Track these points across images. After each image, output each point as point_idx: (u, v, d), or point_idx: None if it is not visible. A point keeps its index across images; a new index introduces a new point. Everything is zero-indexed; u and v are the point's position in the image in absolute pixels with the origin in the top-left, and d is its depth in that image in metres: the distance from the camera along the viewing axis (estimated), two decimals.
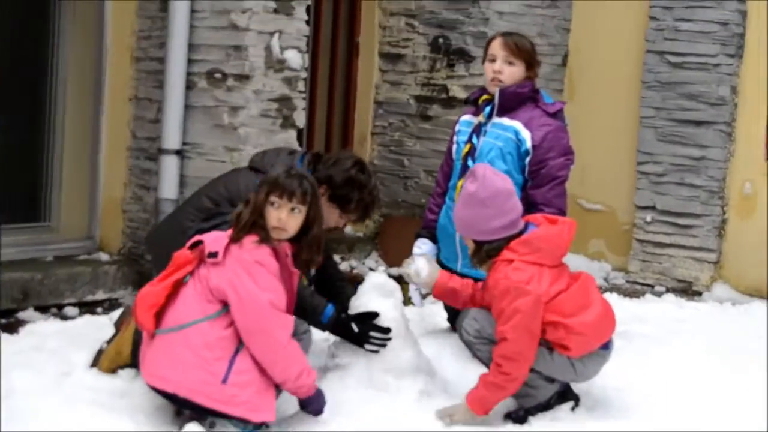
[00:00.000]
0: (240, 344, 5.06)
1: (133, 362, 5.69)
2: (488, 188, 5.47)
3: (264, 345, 5.03)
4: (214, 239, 5.15)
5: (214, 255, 5.08)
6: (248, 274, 5.02)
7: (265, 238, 5.09)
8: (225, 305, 5.05)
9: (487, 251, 5.48)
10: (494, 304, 5.40)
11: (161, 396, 5.15)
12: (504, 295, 5.35)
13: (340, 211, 5.94)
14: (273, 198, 5.13)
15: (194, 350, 5.02)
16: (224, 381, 5.00)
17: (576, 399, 5.70)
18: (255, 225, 5.10)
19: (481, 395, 5.37)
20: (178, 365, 5.01)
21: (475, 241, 5.52)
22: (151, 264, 6.27)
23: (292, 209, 5.14)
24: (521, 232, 5.49)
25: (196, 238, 5.20)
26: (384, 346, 5.59)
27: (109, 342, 5.78)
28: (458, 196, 5.62)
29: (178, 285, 5.15)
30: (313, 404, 5.19)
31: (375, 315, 5.63)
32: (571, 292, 5.51)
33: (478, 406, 5.37)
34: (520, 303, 5.32)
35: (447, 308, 6.83)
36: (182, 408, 5.16)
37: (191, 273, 5.16)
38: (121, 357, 5.71)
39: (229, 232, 5.14)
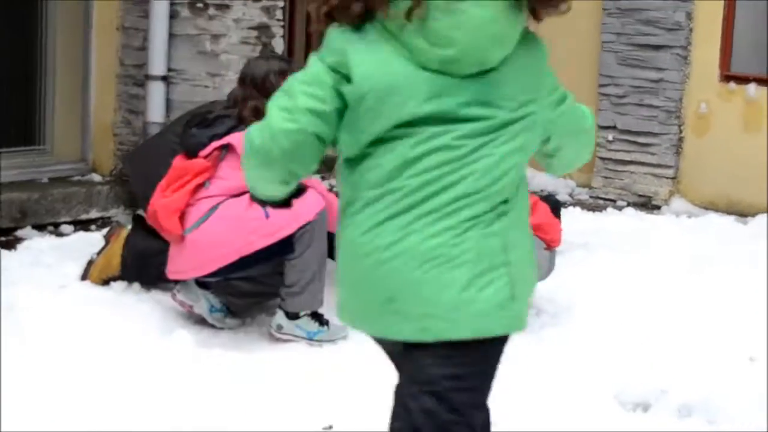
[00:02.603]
0: None
1: (122, 275, 5.76)
2: None
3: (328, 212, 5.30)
4: (242, 139, 5.23)
5: None
6: None
7: None
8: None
9: None
10: None
11: (204, 281, 5.34)
12: None
13: None
14: None
15: (228, 218, 5.20)
16: (267, 217, 5.18)
17: None
18: None
19: None
20: (226, 237, 5.17)
21: None
22: (136, 181, 6.33)
23: None
24: None
25: (219, 142, 5.29)
26: None
27: (99, 253, 5.85)
28: None
29: (198, 190, 5.28)
30: None
31: None
32: None
33: None
34: None
35: None
36: (234, 275, 5.30)
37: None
38: (110, 267, 5.78)
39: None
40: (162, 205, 5.24)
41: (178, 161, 5.37)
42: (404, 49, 2.83)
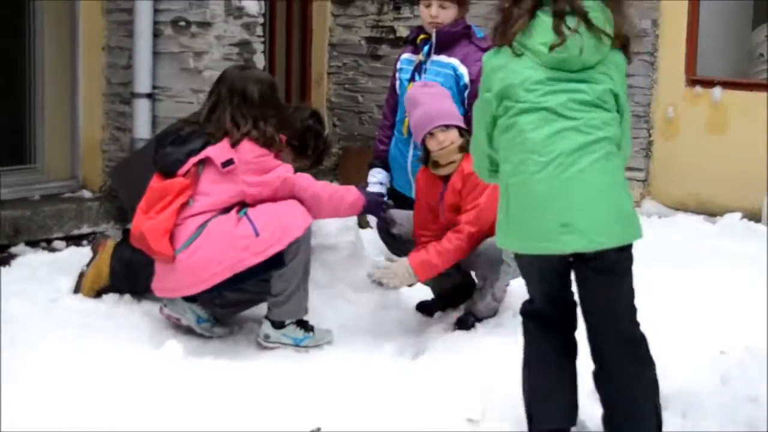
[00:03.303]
0: (244, 207, 5.23)
1: (112, 284, 5.75)
2: (445, 90, 5.80)
3: (315, 203, 5.31)
4: (219, 151, 5.24)
5: (230, 162, 5.19)
6: (260, 169, 5.24)
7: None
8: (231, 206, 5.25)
9: (468, 137, 5.46)
10: (474, 184, 5.46)
11: (197, 296, 5.32)
12: None
13: (294, 155, 5.83)
14: None
15: (218, 236, 5.15)
16: (257, 234, 5.15)
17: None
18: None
19: (433, 262, 5.45)
20: (218, 256, 5.14)
21: (459, 132, 5.56)
22: (124, 194, 6.35)
23: None
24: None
25: (196, 158, 5.26)
26: None
27: (88, 265, 5.85)
28: (418, 104, 5.61)
29: (182, 209, 5.24)
30: (371, 211, 5.68)
31: None
32: None
33: (424, 270, 5.47)
34: None
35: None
36: (225, 291, 5.32)
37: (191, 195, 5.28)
38: (101, 277, 5.79)
39: (224, 143, 5.25)
40: (149, 227, 5.16)
41: (155, 181, 5.30)
42: (531, 57, 4.01)
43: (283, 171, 5.33)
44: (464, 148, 5.51)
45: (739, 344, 5.35)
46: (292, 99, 9.29)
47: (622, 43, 4.08)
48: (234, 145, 5.24)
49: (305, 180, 5.41)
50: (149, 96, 7.32)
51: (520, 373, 4.33)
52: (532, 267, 4.22)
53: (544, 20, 4.01)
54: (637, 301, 5.87)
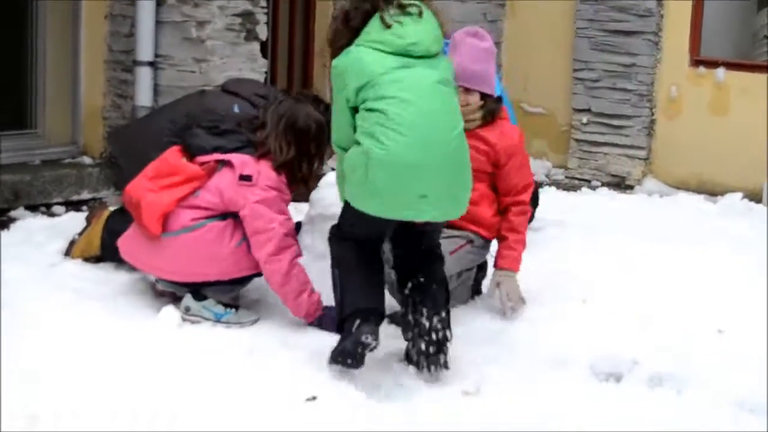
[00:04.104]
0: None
1: (103, 256, 5.71)
2: (493, 47, 5.57)
3: (274, 271, 5.09)
4: (244, 163, 5.13)
5: (248, 178, 5.08)
6: (272, 203, 5.09)
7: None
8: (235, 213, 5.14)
9: (492, 105, 5.45)
10: (515, 153, 5.47)
11: (176, 288, 5.26)
12: (521, 143, 5.53)
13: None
14: None
15: (219, 242, 5.10)
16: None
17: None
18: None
19: (520, 253, 5.48)
20: (208, 258, 5.09)
21: (481, 96, 5.42)
22: (123, 160, 6.33)
23: None
24: None
25: (221, 156, 5.16)
26: None
27: (80, 234, 5.83)
28: (456, 53, 5.37)
29: (187, 196, 5.16)
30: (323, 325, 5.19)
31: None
32: None
33: (518, 264, 5.49)
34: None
35: None
36: (202, 290, 5.19)
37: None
38: (91, 247, 5.76)
39: (250, 159, 5.14)
40: (149, 201, 5.10)
41: (173, 155, 5.24)
42: (378, 46, 4.51)
43: (288, 225, 5.19)
44: (490, 115, 5.46)
45: (736, 323, 5.34)
46: (294, 70, 9.24)
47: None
48: (277, 168, 5.14)
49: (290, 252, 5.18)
50: (151, 64, 7.27)
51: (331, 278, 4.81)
52: (373, 223, 4.58)
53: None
54: (637, 278, 5.93)
